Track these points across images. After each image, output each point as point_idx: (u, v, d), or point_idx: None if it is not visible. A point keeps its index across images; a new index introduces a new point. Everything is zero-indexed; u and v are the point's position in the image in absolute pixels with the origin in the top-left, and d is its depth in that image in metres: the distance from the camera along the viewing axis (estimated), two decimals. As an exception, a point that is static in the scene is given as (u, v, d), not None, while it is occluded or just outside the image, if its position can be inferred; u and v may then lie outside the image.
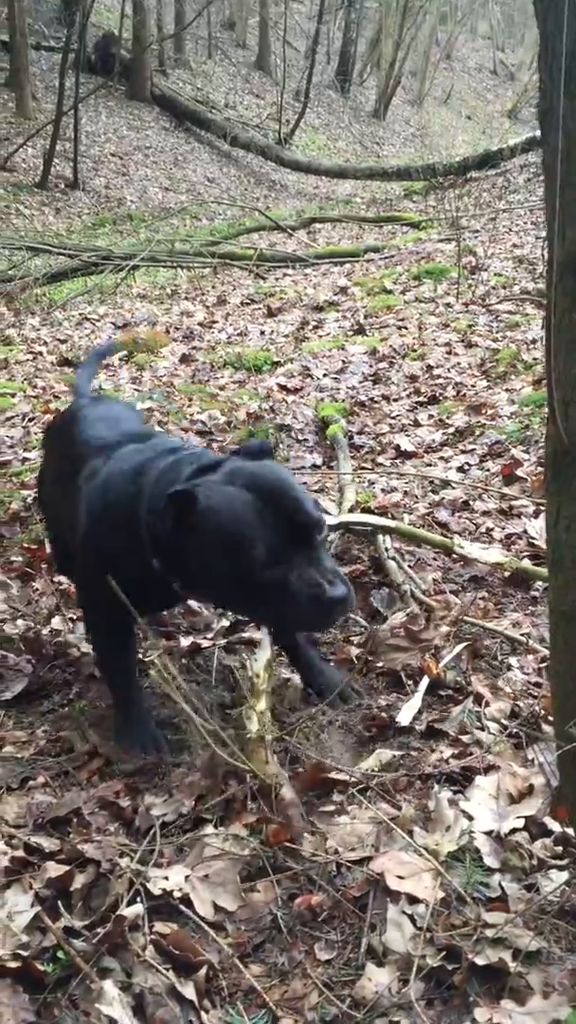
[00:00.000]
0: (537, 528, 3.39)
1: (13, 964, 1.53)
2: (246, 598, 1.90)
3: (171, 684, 1.93)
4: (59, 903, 1.66)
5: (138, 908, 1.60)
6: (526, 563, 3.07)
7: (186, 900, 1.66)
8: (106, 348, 3.80)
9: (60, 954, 1.56)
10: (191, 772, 2.06)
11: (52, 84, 19.60)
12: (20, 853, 1.83)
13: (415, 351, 6.43)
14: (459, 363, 6.00)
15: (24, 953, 1.55)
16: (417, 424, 5.08)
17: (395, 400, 5.57)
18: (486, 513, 3.67)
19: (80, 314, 9.71)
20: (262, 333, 7.88)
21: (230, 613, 2.67)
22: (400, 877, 1.61)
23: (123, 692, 2.33)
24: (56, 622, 2.98)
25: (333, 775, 1.98)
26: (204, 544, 1.87)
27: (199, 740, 1.94)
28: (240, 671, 2.18)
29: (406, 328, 7.20)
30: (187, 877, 1.70)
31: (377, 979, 1.43)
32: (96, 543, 2.19)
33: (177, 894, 1.66)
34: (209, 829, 1.82)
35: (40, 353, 7.92)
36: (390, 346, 6.61)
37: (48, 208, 17.01)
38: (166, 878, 1.70)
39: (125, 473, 2.15)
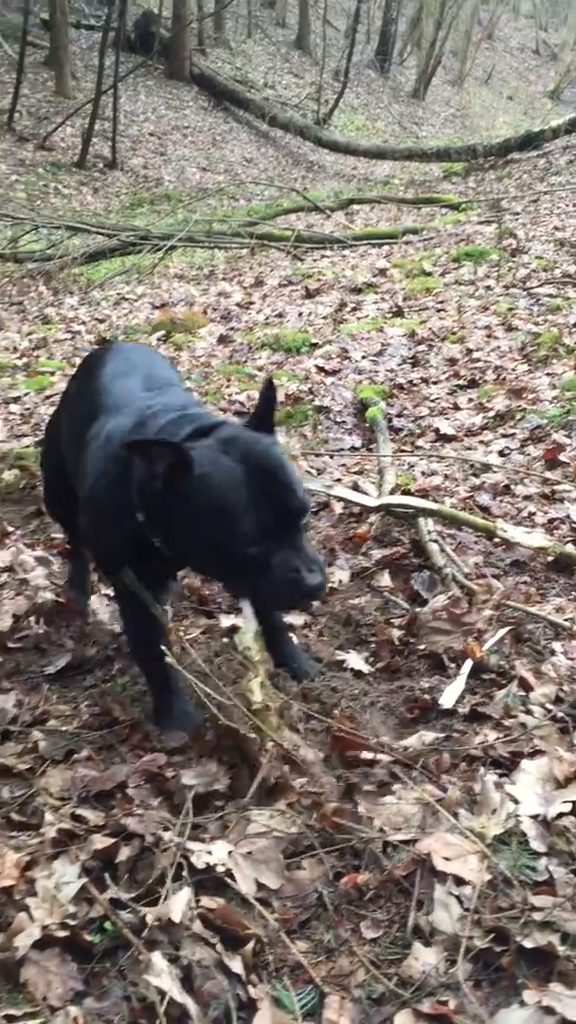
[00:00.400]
0: (581, 513, 3.36)
1: (61, 933, 1.54)
2: (226, 569, 1.93)
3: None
4: (106, 875, 1.67)
5: (186, 886, 1.60)
6: (570, 548, 3.05)
7: (229, 875, 1.67)
8: None
9: (107, 925, 1.57)
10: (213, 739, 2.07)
11: (91, 63, 19.62)
12: (66, 825, 1.84)
13: (454, 334, 6.38)
14: (499, 346, 5.94)
15: (72, 923, 1.56)
16: (457, 407, 5.04)
17: (434, 383, 5.54)
18: (528, 497, 3.64)
19: (118, 294, 9.73)
20: (300, 314, 7.85)
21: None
22: (447, 859, 1.61)
23: (158, 674, 2.28)
24: (94, 600, 3.00)
25: (369, 753, 1.99)
26: (192, 511, 1.88)
27: (215, 717, 1.96)
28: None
29: (445, 311, 7.14)
30: (230, 853, 1.71)
31: (424, 959, 1.43)
32: (96, 501, 2.18)
33: (220, 869, 1.67)
34: (251, 802, 1.83)
35: (79, 332, 7.95)
36: (429, 329, 6.56)
37: (86, 187, 17.03)
38: (209, 852, 1.70)
39: (124, 429, 2.13)
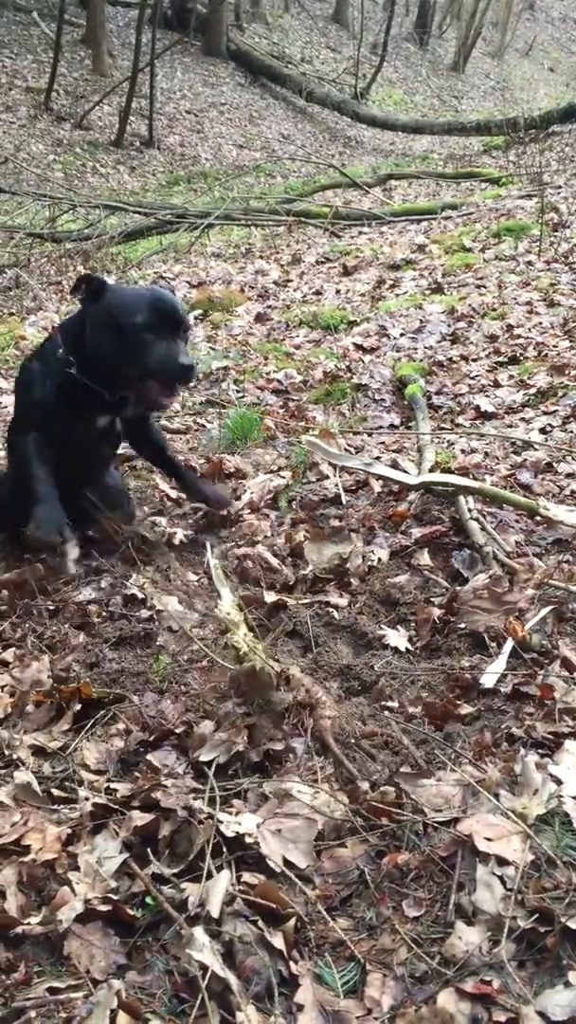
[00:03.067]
0: (625, 491, 3.30)
1: (103, 908, 1.56)
2: (125, 353, 2.71)
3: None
4: (147, 850, 1.68)
5: (226, 864, 1.61)
6: (614, 527, 2.99)
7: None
8: None
9: (149, 900, 1.58)
10: (226, 696, 2.13)
11: (128, 40, 19.55)
12: (102, 799, 1.85)
13: (495, 310, 6.29)
14: (540, 322, 5.85)
15: (114, 897, 1.58)
16: (497, 384, 4.97)
17: (474, 360, 5.46)
18: (570, 475, 3.59)
19: (155, 273, 9.71)
20: (338, 292, 7.79)
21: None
22: (488, 839, 1.59)
23: (38, 483, 2.87)
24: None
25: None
26: (107, 310, 2.74)
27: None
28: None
29: (485, 287, 7.04)
30: (258, 826, 1.71)
31: (467, 938, 1.42)
32: (28, 381, 3.02)
33: (248, 840, 1.67)
34: (296, 780, 1.82)
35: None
36: (469, 305, 6.48)
37: (123, 166, 17.01)
38: (239, 824, 1.70)
39: (48, 339, 3.03)
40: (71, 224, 11.45)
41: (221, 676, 2.28)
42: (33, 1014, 1.35)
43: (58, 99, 18.17)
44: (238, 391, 5.21)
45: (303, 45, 25.51)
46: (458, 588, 2.70)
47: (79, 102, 18.24)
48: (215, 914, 1.48)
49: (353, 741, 1.96)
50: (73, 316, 2.95)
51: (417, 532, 3.17)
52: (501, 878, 1.52)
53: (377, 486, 3.61)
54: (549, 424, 4.23)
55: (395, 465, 3.72)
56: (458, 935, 1.43)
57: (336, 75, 23.83)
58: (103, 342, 2.76)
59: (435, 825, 1.67)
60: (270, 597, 2.68)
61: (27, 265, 9.86)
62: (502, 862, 1.56)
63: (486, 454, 3.93)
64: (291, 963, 1.43)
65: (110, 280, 2.85)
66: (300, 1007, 1.37)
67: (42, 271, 9.88)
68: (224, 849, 1.65)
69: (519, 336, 5.66)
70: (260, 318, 7.18)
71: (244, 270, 9.33)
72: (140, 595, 2.78)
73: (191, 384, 3.12)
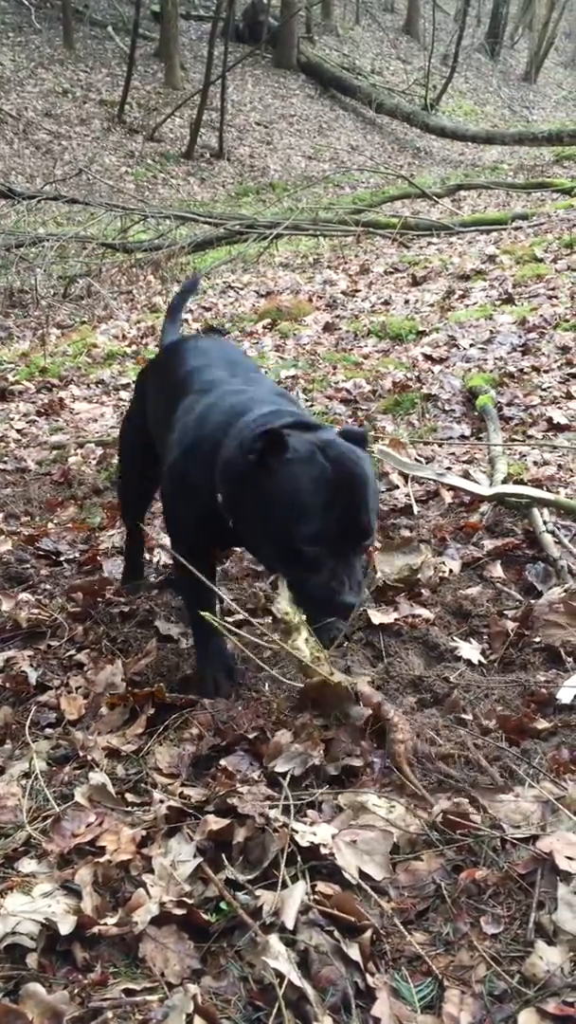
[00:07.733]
0: None
1: (178, 911, 1.55)
2: (279, 555, 2.00)
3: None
4: (222, 855, 1.67)
5: (301, 874, 1.60)
6: None
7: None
8: (192, 283, 3.90)
9: (223, 905, 1.57)
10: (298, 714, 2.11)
11: (200, 54, 19.82)
12: (176, 803, 1.85)
13: (567, 321, 6.20)
14: (615, 334, 5.75)
15: (189, 901, 1.57)
16: (570, 396, 4.89)
17: (546, 371, 5.39)
18: None
19: (224, 282, 9.79)
20: (406, 302, 7.76)
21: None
22: (569, 858, 1.55)
23: (201, 624, 2.35)
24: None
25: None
26: (272, 491, 1.93)
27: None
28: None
29: (557, 297, 6.95)
30: (333, 837, 1.69)
31: (548, 958, 1.39)
32: (180, 472, 2.28)
33: (323, 850, 1.65)
34: (371, 792, 1.81)
35: (185, 320, 8.03)
36: (540, 316, 6.39)
37: (193, 178, 17.23)
38: (314, 834, 1.69)
39: (222, 408, 2.24)
40: (142, 235, 11.63)
41: (292, 685, 2.28)
42: (110, 1015, 1.36)
43: (131, 112, 18.51)
44: (307, 400, 5.22)
45: (374, 57, 25.56)
46: (532, 602, 2.66)
47: (151, 115, 18.54)
48: (290, 923, 1.47)
49: (431, 766, 1.92)
50: (233, 454, 2.07)
51: (489, 544, 3.14)
52: (583, 898, 1.49)
53: (448, 497, 3.58)
54: (625, 437, 4.15)
55: (467, 476, 3.68)
56: (539, 954, 1.40)
57: (406, 86, 23.81)
58: (256, 530, 2.06)
59: (513, 841, 1.64)
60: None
61: (99, 275, 10.04)
62: (584, 882, 1.52)
63: (559, 466, 3.87)
64: (367, 975, 1.42)
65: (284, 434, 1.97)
66: (377, 1020, 1.35)
67: (113, 280, 10.05)
68: (298, 858, 1.64)
69: (592, 347, 5.57)
70: (328, 328, 7.19)
71: (312, 280, 9.36)
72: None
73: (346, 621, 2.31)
